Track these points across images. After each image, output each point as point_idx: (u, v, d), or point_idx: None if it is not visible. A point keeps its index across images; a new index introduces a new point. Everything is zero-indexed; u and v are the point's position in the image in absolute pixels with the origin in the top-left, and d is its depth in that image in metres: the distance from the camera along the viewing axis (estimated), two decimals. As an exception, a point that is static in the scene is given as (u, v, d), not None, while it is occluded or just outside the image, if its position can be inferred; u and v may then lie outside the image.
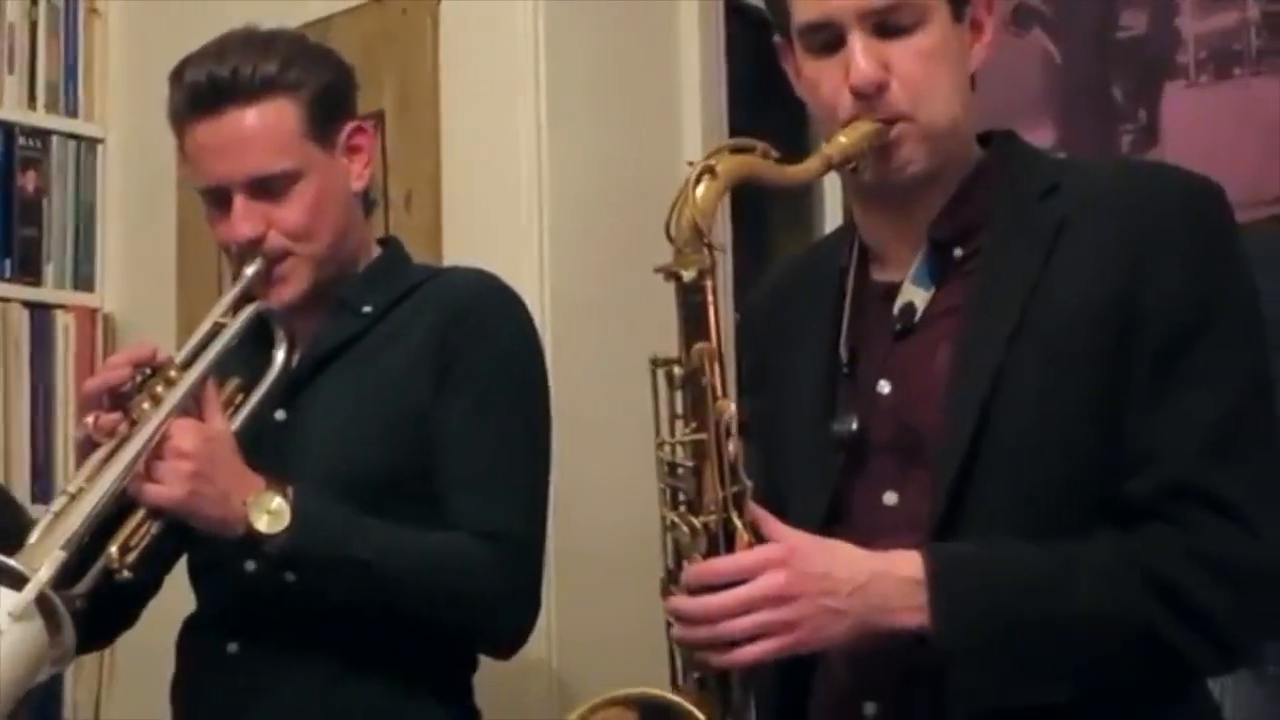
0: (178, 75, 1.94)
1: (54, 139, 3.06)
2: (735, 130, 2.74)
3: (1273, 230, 2.55)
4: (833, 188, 2.96)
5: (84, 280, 3.07)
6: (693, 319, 1.45)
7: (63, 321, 3.02)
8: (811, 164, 1.52)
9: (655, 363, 1.48)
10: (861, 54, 1.48)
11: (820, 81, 1.53)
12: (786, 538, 1.42)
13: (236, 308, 1.91)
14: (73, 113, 3.09)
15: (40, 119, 3.05)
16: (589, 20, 2.64)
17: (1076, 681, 1.40)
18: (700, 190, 1.44)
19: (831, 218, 3.03)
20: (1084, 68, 2.99)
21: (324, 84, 1.95)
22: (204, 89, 1.91)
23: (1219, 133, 2.81)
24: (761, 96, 2.80)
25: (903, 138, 1.50)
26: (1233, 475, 1.41)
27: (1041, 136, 2.73)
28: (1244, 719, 2.29)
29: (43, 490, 2.86)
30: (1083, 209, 1.50)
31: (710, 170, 1.45)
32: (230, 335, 1.88)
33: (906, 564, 1.41)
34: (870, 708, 1.50)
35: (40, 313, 3.00)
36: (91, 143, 3.10)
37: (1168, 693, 1.45)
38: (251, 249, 1.90)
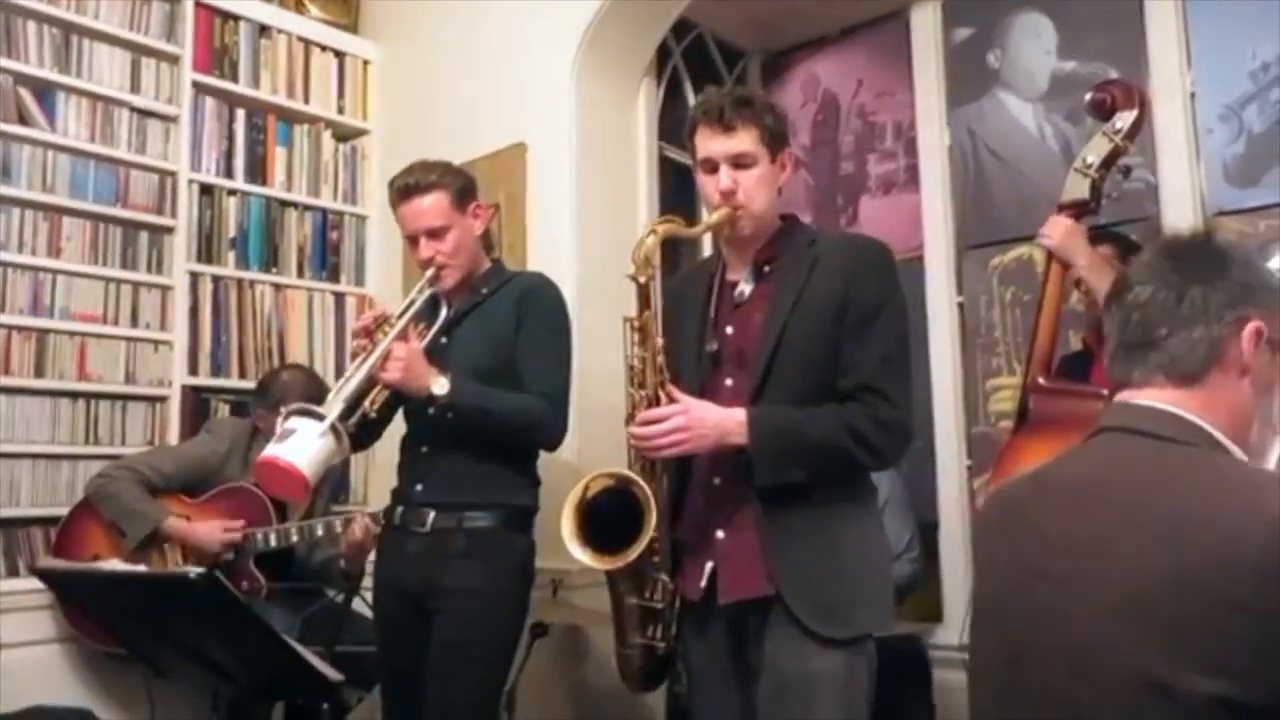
0: (391, 183, 1.90)
1: (345, 215, 2.97)
2: (663, 212, 2.66)
3: (907, 265, 2.53)
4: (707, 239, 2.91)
5: (359, 280, 2.98)
6: (642, 300, 1.46)
7: (350, 302, 2.93)
8: (699, 228, 1.53)
9: (626, 319, 1.48)
10: (725, 176, 1.46)
11: (706, 185, 1.50)
12: (685, 399, 1.41)
13: (424, 289, 1.86)
14: (353, 202, 2.99)
15: (339, 206, 2.95)
16: (598, 167, 2.56)
17: (811, 471, 1.40)
18: (649, 239, 1.45)
19: (705, 250, 2.95)
20: (823, 188, 2.96)
21: (460, 184, 1.89)
22: (402, 188, 1.86)
23: (886, 219, 2.79)
24: (674, 200, 2.77)
25: (742, 217, 1.47)
26: (887, 379, 1.41)
27: (805, 217, 2.69)
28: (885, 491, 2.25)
29: (340, 381, 2.79)
30: (826, 253, 1.48)
31: (654, 230, 1.45)
32: (420, 303, 1.84)
33: (739, 414, 1.41)
34: (716, 479, 1.48)
35: (339, 298, 2.91)
36: (362, 218, 3.00)
37: (852, 477, 1.46)
38: (429, 263, 1.86)
